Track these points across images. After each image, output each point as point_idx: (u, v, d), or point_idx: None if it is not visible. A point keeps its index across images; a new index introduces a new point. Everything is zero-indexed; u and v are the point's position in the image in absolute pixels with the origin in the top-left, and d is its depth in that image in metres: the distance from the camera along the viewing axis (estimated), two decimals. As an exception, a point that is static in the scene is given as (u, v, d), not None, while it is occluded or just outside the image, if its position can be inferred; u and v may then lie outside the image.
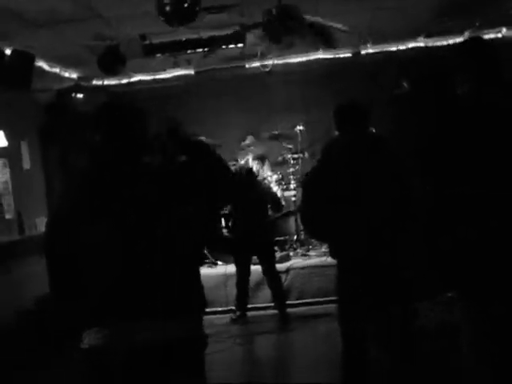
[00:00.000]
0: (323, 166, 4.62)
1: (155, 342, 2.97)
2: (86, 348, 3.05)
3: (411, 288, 4.58)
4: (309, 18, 7.51)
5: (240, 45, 8.52)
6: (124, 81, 11.20)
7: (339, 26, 8.10)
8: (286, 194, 10.28)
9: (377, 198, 4.37)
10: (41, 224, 8.70)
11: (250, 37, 8.15)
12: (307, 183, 4.77)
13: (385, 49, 11.04)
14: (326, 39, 8.41)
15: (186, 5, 5.79)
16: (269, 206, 8.45)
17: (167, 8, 5.82)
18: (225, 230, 8.51)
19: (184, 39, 8.43)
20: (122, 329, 2.97)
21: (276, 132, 10.84)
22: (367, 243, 4.38)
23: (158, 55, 8.65)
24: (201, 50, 8.61)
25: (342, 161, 4.46)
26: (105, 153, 3.14)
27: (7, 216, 8.62)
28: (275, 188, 9.97)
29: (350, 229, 4.37)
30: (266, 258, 8.31)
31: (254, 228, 8.15)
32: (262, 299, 8.75)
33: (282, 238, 10.09)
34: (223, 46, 8.52)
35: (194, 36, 8.42)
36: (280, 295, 8.37)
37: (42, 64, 9.08)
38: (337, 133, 4.75)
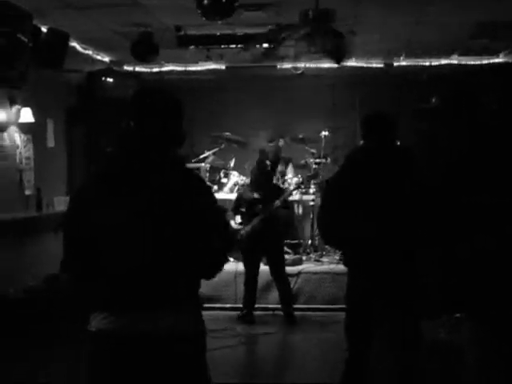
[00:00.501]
0: (345, 173, 4.62)
1: (159, 332, 2.97)
2: (93, 331, 3.06)
3: (421, 304, 4.56)
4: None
5: (274, 44, 8.50)
6: (155, 69, 11.25)
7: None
8: (305, 197, 10.27)
9: (397, 209, 4.36)
10: (58, 203, 8.75)
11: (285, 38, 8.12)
12: (328, 189, 4.78)
13: (418, 62, 11.02)
14: (334, 52, 8.38)
15: (223, 0, 5.80)
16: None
17: (205, 1, 5.84)
18: (235, 226, 8.45)
19: (218, 34, 8.44)
20: (129, 316, 2.98)
21: (301, 135, 10.83)
22: (383, 254, 4.37)
23: (192, 47, 8.66)
24: (234, 45, 8.61)
25: (365, 170, 4.45)
26: (136, 139, 3.13)
27: (27, 192, 8.69)
28: (294, 191, 9.93)
29: (367, 238, 4.36)
30: (274, 258, 8.30)
31: (263, 222, 8.15)
32: (271, 300, 8.73)
33: (296, 241, 10.08)
34: (257, 45, 8.50)
35: (229, 31, 8.43)
36: (287, 298, 8.36)
37: (75, 45, 9.13)
38: (362, 141, 4.74)
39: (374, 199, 4.35)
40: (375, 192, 4.35)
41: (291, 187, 9.76)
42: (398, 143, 9.26)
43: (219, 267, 3.20)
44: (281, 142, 10.77)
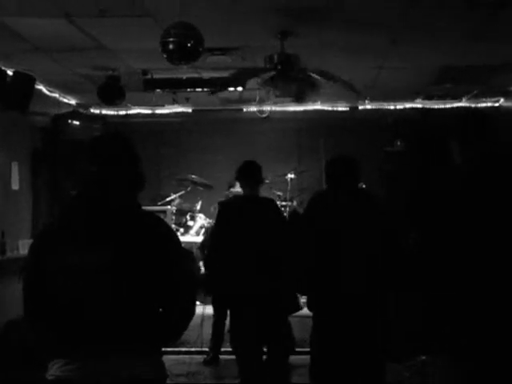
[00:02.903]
0: (307, 217, 4.65)
1: (119, 380, 2.94)
2: (50, 379, 3.01)
3: (386, 347, 4.57)
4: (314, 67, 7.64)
5: (240, 88, 8.58)
6: (122, 112, 11.29)
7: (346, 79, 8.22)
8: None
9: (360, 254, 4.39)
10: (23, 246, 8.65)
11: (250, 81, 8.20)
12: (291, 234, 4.80)
13: (383, 106, 11.18)
14: (352, 87, 8.51)
15: (189, 44, 5.84)
16: None
17: (170, 46, 5.88)
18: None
19: (185, 77, 8.50)
20: (88, 364, 2.94)
21: (268, 179, 10.86)
22: (346, 299, 4.38)
23: (158, 90, 8.71)
24: (200, 89, 8.67)
25: (326, 214, 4.48)
26: (94, 186, 3.13)
27: (-6, 237, 8.61)
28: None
29: (330, 282, 4.37)
30: None
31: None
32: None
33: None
34: (223, 88, 8.58)
35: (195, 75, 8.49)
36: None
37: (41, 88, 9.14)
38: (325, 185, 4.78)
39: (335, 244, 4.37)
40: (336, 237, 4.38)
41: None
42: (363, 186, 9.44)
43: (188, 314, 3.18)
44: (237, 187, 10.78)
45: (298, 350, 8.36)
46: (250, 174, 5.96)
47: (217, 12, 6.39)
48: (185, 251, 3.27)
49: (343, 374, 4.52)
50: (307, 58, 7.47)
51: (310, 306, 4.71)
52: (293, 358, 8.07)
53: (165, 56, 6.08)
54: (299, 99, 8.19)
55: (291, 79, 7.22)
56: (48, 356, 3.05)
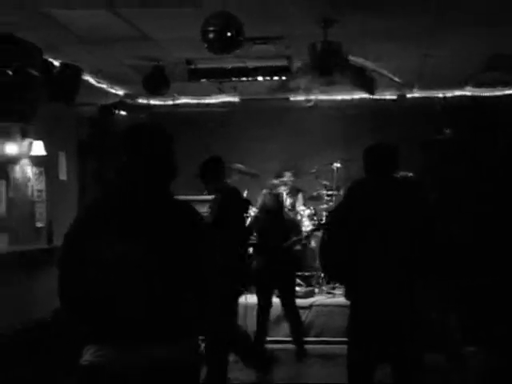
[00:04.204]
0: (346, 206, 4.61)
1: (152, 366, 2.97)
2: (85, 364, 3.05)
3: (423, 337, 4.52)
4: (355, 59, 7.58)
5: (284, 77, 8.55)
6: (169, 102, 11.34)
7: (392, 75, 8.16)
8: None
9: (399, 242, 4.34)
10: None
11: (295, 70, 8.18)
12: (329, 219, 4.78)
13: (431, 94, 11.04)
14: (365, 84, 8.47)
15: (229, 34, 5.84)
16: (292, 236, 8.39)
17: (211, 35, 5.88)
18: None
19: (229, 67, 8.50)
20: (122, 350, 2.98)
21: (314, 168, 10.84)
22: (385, 287, 4.35)
23: (203, 80, 8.73)
24: (245, 78, 8.66)
25: (364, 203, 4.44)
26: (129, 174, 3.16)
27: (38, 224, 8.75)
28: (306, 223, 9.95)
29: (368, 271, 4.34)
30: (286, 290, 8.25)
31: (274, 257, 8.11)
32: (282, 333, 8.67)
33: (308, 273, 10.04)
34: (268, 77, 8.56)
35: (240, 64, 8.48)
36: (297, 330, 8.30)
37: (89, 78, 9.24)
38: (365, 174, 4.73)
39: (373, 233, 4.33)
40: (375, 225, 4.33)
41: (306, 223, 9.80)
42: (410, 174, 9.35)
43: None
44: (286, 177, 10.75)
45: (341, 339, 8.37)
46: None
47: (259, 1, 6.37)
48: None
49: (379, 361, 4.49)
50: (351, 47, 7.41)
51: (347, 294, 4.68)
52: (336, 347, 8.09)
53: (205, 45, 6.09)
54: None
55: (334, 68, 7.16)
56: (83, 342, 3.10)
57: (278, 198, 8.61)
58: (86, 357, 3.05)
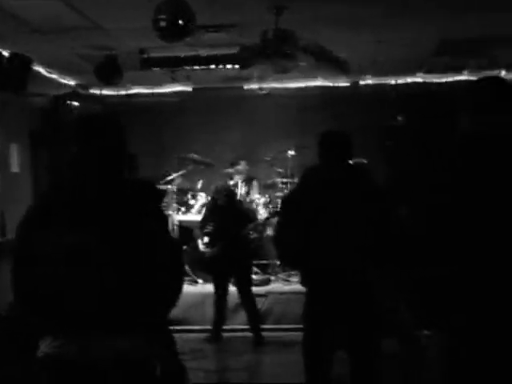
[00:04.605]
0: (299, 193, 4.63)
1: (107, 357, 2.95)
2: (41, 356, 3.03)
3: (380, 324, 4.56)
4: (306, 42, 7.57)
5: (237, 66, 8.53)
6: (122, 92, 11.26)
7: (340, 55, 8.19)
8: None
9: (352, 229, 4.36)
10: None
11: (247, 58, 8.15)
12: (283, 207, 4.79)
13: (384, 81, 11.11)
14: (340, 66, 8.49)
15: (180, 22, 5.80)
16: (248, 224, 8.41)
17: (162, 23, 5.84)
18: (203, 247, 8.45)
19: (182, 56, 8.45)
20: (77, 341, 2.96)
21: (269, 156, 10.86)
22: (338, 274, 4.37)
23: (155, 69, 8.67)
24: (198, 67, 8.62)
25: (318, 189, 4.46)
26: (79, 164, 3.13)
27: (-9, 218, 8.64)
28: (262, 211, 9.97)
29: (322, 258, 4.35)
30: (242, 277, 8.27)
31: (231, 245, 8.12)
32: (239, 321, 8.69)
33: (264, 262, 10.06)
34: (220, 66, 8.53)
35: (193, 53, 8.44)
36: (254, 318, 8.32)
37: (39, 69, 9.12)
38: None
39: (326, 219, 4.34)
40: (328, 212, 4.35)
41: (261, 211, 9.83)
42: (365, 161, 9.42)
43: (173, 291, 3.18)
44: (240, 165, 10.74)
45: (298, 326, 8.41)
46: None
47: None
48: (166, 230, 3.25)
49: (335, 348, 4.52)
50: (303, 34, 7.41)
51: (302, 281, 4.70)
52: (293, 334, 8.12)
53: (157, 34, 6.05)
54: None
55: (286, 55, 7.16)
56: (38, 334, 3.07)
57: (229, 187, 8.64)
58: (42, 348, 3.04)
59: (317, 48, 7.47)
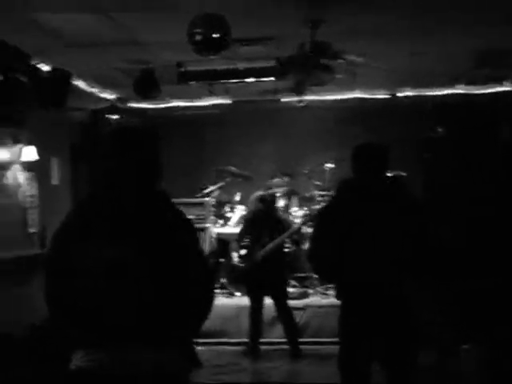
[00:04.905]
0: (334, 205, 4.61)
1: (140, 371, 2.95)
2: (73, 369, 3.04)
3: (417, 337, 4.51)
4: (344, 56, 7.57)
5: (274, 78, 8.53)
6: (161, 105, 11.33)
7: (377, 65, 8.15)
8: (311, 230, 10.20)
9: (388, 243, 4.32)
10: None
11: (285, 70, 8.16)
12: (318, 220, 4.77)
13: (423, 93, 11.03)
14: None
15: (215, 35, 5.82)
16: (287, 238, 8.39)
17: (197, 37, 5.86)
18: (238, 260, 8.45)
19: (219, 69, 8.47)
20: (110, 354, 2.96)
21: (307, 169, 10.84)
22: (374, 288, 4.33)
23: (192, 82, 8.70)
24: (235, 80, 8.64)
25: (353, 203, 4.43)
26: (115, 177, 3.15)
27: (31, 229, 8.74)
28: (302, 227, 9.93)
29: (358, 271, 4.32)
30: (277, 291, 8.23)
31: (266, 257, 8.10)
32: (277, 334, 8.65)
33: (302, 275, 10.02)
34: (258, 79, 8.54)
35: (230, 66, 8.46)
36: (291, 331, 8.28)
37: (79, 83, 9.22)
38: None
39: (361, 233, 4.31)
40: (363, 225, 4.32)
41: (297, 221, 9.77)
42: (403, 174, 9.34)
43: (205, 304, 3.18)
44: (277, 178, 10.71)
45: (336, 340, 8.36)
46: None
47: (248, 2, 6.35)
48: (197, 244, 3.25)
49: (372, 361, 4.48)
50: (340, 46, 7.41)
51: (337, 295, 4.67)
52: (331, 348, 8.06)
53: (192, 47, 6.08)
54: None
55: (323, 67, 7.15)
56: (72, 347, 3.09)
57: (268, 199, 8.61)
58: (75, 361, 3.04)
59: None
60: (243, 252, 8.44)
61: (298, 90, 8.29)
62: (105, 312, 2.96)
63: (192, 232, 3.21)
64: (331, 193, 10.29)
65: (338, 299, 4.67)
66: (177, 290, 3.00)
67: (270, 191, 9.69)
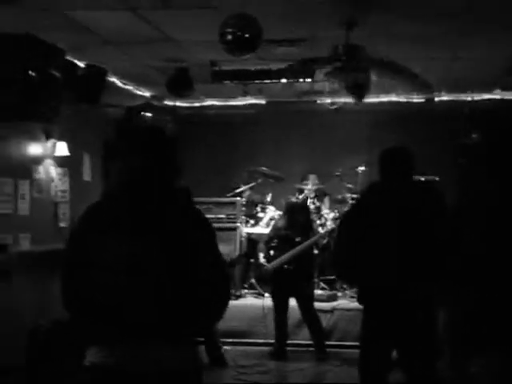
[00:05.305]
0: (359, 208, 4.58)
1: (154, 368, 2.95)
2: (87, 365, 3.05)
3: (436, 343, 4.47)
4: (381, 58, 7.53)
5: (308, 79, 8.51)
6: (195, 104, 11.37)
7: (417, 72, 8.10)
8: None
9: (413, 247, 4.29)
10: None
11: (318, 72, 8.15)
12: (341, 224, 4.75)
13: (459, 97, 10.94)
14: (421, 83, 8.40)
15: (247, 35, 5.82)
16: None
17: (228, 37, 5.88)
18: (264, 260, 8.42)
19: (253, 69, 8.48)
20: (124, 351, 2.97)
21: (339, 171, 10.79)
22: (397, 294, 4.30)
23: (226, 82, 8.71)
24: (269, 80, 8.64)
25: (377, 206, 4.40)
26: (135, 173, 3.17)
27: (62, 224, 8.82)
28: (331, 225, 9.88)
29: (380, 275, 4.29)
30: (301, 293, 8.19)
31: (292, 259, 8.08)
32: (304, 336, 8.61)
33: (331, 277, 9.96)
34: (291, 80, 8.53)
35: (264, 67, 8.47)
36: (318, 334, 8.23)
37: (114, 80, 9.29)
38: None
39: (384, 237, 4.28)
40: (388, 229, 4.29)
41: (328, 225, 9.76)
42: (436, 179, 9.26)
43: (218, 305, 3.17)
44: (310, 180, 10.67)
45: (355, 343, 8.31)
46: None
47: (283, 3, 6.34)
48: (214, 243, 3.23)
49: (391, 366, 4.45)
50: (375, 50, 7.37)
51: (359, 299, 4.65)
52: (351, 352, 8.01)
53: (223, 47, 6.09)
54: (357, 93, 8.05)
55: (357, 70, 7.12)
56: (86, 343, 3.10)
57: (298, 206, 8.58)
58: (89, 358, 3.05)
59: (394, 64, 7.39)
60: (271, 253, 8.40)
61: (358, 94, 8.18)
62: (120, 308, 2.96)
63: (210, 232, 3.20)
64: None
65: (359, 303, 4.64)
66: (191, 288, 2.99)
67: (302, 196, 9.65)
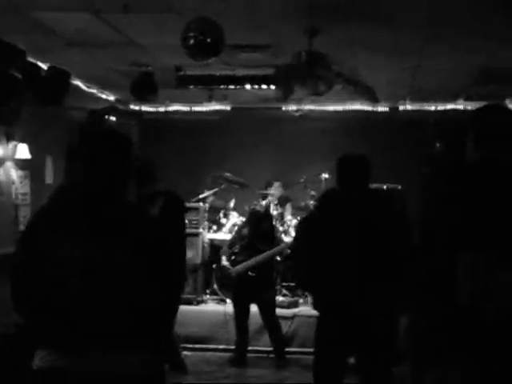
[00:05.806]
0: (315, 215, 4.59)
1: (101, 373, 2.93)
2: (34, 369, 3.02)
3: (394, 352, 4.48)
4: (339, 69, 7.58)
5: (273, 86, 8.52)
6: (160, 109, 11.34)
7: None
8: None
9: (367, 254, 4.30)
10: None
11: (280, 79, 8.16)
12: (299, 230, 4.75)
13: (423, 107, 11.02)
14: (369, 94, 8.46)
15: (209, 40, 5.82)
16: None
17: (191, 41, 5.86)
18: (227, 263, 8.39)
19: (217, 74, 8.47)
20: (70, 355, 2.93)
21: (303, 177, 10.81)
22: (356, 300, 4.30)
23: (191, 87, 8.69)
24: (233, 86, 8.64)
25: (332, 213, 4.41)
26: (94, 177, 3.15)
27: (22, 227, 8.71)
28: (293, 233, 9.90)
29: (333, 282, 4.30)
30: (263, 299, 8.17)
31: (254, 267, 8.07)
32: (264, 342, 8.59)
33: (293, 284, 9.96)
34: (255, 86, 8.53)
35: (228, 72, 8.46)
36: (278, 340, 8.22)
37: (78, 83, 9.22)
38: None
39: (343, 246, 4.28)
40: (345, 238, 4.29)
41: (293, 234, 9.76)
42: (399, 187, 9.32)
43: (170, 305, 3.16)
44: (274, 187, 10.66)
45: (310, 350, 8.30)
46: None
47: (247, 9, 6.34)
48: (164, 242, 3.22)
49: (345, 373, 4.46)
50: (339, 57, 7.41)
51: (314, 305, 4.65)
52: (310, 358, 7.99)
53: (186, 51, 6.07)
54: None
55: (319, 77, 7.14)
56: (35, 345, 3.06)
57: (260, 214, 8.56)
58: (37, 361, 3.02)
59: (347, 73, 7.43)
60: (234, 258, 8.38)
61: (285, 97, 8.23)
62: (71, 311, 2.93)
63: (164, 238, 3.19)
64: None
65: (314, 309, 4.65)
66: (142, 294, 2.98)
67: (265, 202, 9.66)
